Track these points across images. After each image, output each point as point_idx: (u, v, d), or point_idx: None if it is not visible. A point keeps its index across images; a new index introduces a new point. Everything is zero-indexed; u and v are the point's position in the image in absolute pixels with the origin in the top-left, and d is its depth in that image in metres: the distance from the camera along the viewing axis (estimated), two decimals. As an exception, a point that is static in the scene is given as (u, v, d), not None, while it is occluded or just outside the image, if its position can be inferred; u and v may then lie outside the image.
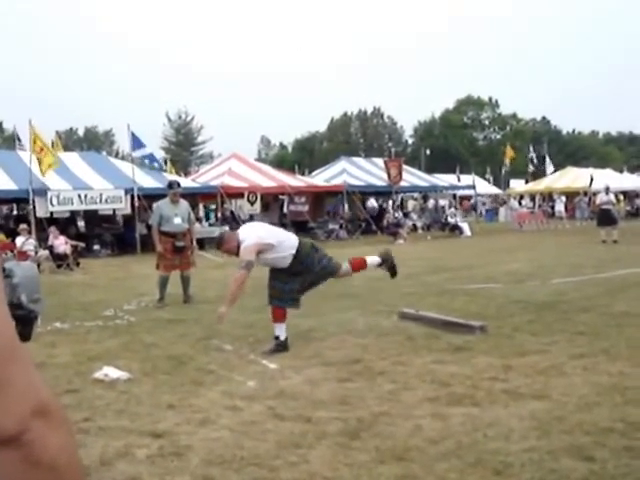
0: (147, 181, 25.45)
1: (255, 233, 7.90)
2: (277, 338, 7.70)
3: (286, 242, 7.89)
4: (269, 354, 7.47)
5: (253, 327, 8.99)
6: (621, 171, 51.30)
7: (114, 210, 25.62)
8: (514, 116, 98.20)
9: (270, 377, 6.56)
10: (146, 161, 26.56)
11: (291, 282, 7.87)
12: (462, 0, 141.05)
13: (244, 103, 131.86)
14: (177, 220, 11.71)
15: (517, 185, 52.60)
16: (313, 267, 7.96)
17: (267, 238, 7.80)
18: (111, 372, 6.63)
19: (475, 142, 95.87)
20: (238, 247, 7.69)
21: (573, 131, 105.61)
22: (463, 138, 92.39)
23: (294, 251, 7.83)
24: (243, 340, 8.27)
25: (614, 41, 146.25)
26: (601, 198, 24.27)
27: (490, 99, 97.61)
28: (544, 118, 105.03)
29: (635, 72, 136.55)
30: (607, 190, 24.17)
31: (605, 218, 23.45)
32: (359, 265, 8.50)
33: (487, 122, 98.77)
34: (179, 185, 12.44)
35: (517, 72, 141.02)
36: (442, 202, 41.82)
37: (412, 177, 36.83)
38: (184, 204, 12.10)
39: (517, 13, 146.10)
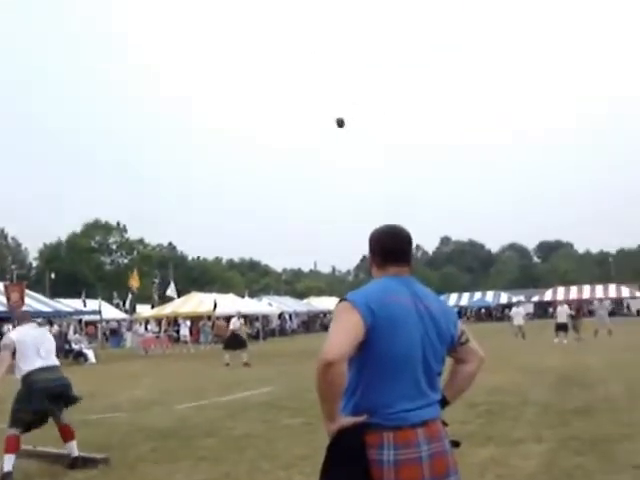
0: None
1: None
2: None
3: None
4: None
5: None
6: (243, 296, 53.95)
7: None
8: (141, 241, 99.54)
9: None
10: None
11: None
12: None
13: None
14: None
15: (144, 310, 52.81)
16: None
17: None
18: None
19: (102, 266, 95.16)
20: None
21: (198, 257, 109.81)
22: (90, 262, 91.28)
23: None
24: None
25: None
26: (234, 323, 25.51)
27: (118, 224, 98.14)
28: (170, 244, 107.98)
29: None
30: (239, 315, 25.68)
31: (235, 342, 24.57)
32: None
33: (115, 246, 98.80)
34: None
35: (148, 201, 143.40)
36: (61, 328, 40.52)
37: (35, 302, 35.23)
38: None
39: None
